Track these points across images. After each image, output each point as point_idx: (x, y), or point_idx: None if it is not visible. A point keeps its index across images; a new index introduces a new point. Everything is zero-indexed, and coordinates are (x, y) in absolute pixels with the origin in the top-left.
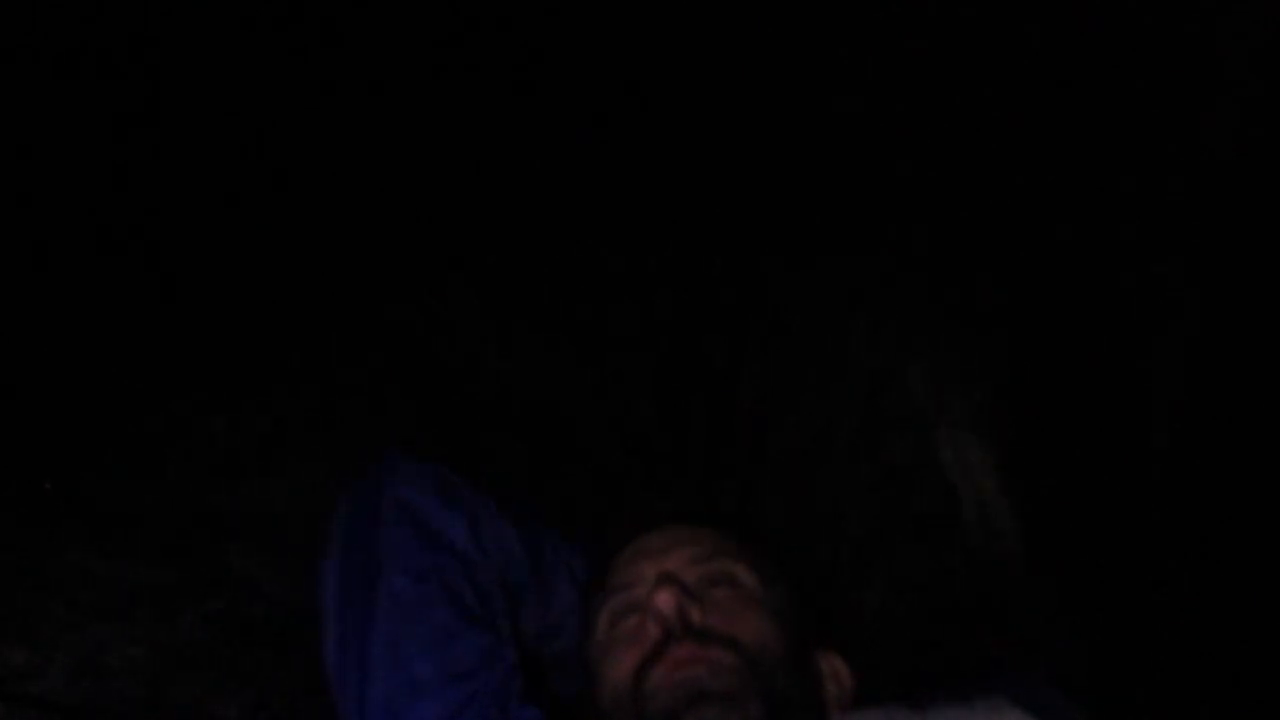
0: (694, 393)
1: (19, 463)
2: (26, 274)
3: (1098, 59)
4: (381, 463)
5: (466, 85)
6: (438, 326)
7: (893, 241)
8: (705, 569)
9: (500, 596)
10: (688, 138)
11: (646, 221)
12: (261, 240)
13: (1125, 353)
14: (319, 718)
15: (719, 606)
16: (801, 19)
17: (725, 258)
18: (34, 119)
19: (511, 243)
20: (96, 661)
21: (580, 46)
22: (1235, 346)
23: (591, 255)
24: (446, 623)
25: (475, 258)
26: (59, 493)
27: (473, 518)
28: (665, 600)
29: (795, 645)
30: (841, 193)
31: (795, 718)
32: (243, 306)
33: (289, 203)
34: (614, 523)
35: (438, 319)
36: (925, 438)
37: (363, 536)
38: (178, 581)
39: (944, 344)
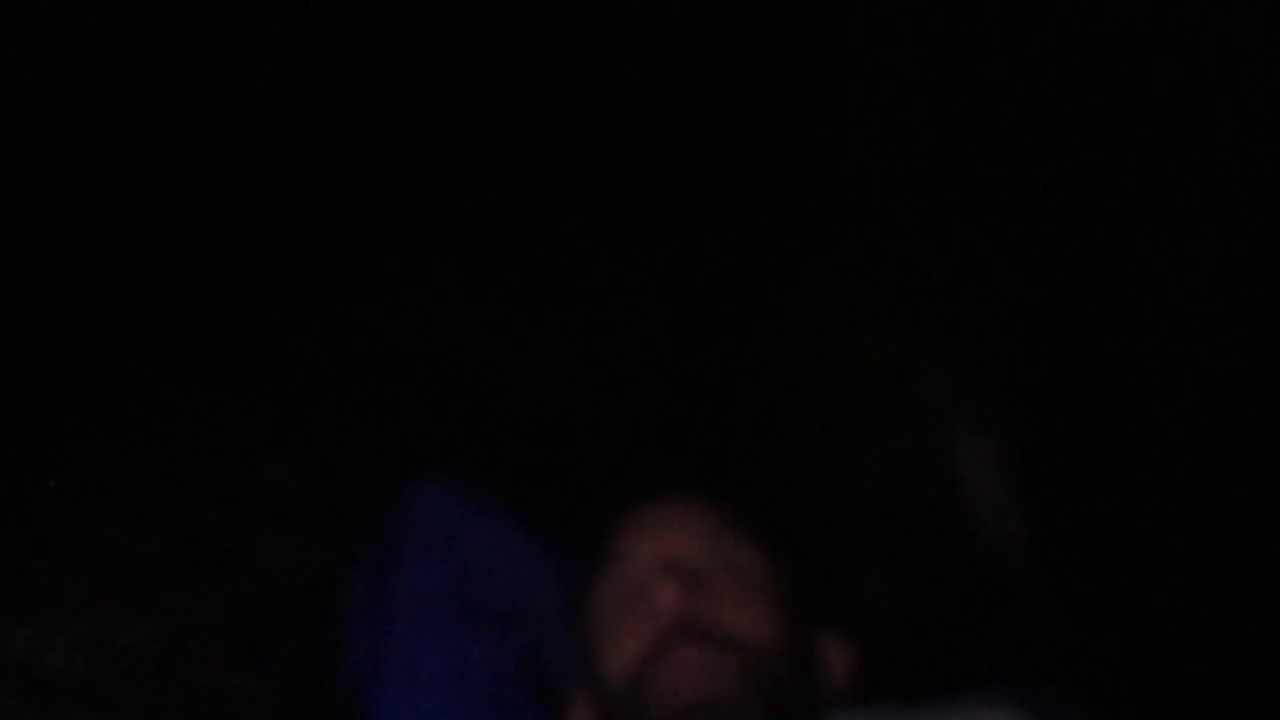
0: (694, 393)
1: (25, 437)
2: (27, 274)
3: (1099, 59)
4: (414, 484)
5: (466, 83)
6: (436, 325)
7: (896, 241)
8: (713, 552)
9: (516, 610)
10: (687, 137)
11: (646, 221)
12: (262, 240)
13: (1125, 354)
14: (331, 699)
15: (726, 599)
16: (802, 19)
17: (726, 257)
18: (34, 119)
19: (510, 242)
20: (105, 641)
21: (580, 46)
22: (1236, 347)
23: (591, 255)
24: (457, 621)
25: (474, 257)
26: (63, 480)
27: (499, 535)
28: (671, 596)
29: (798, 631)
30: (843, 192)
31: (795, 713)
32: (249, 294)
33: (289, 202)
34: (614, 521)
35: (436, 318)
36: (932, 436)
37: (386, 538)
38: (189, 560)
39: (952, 343)
